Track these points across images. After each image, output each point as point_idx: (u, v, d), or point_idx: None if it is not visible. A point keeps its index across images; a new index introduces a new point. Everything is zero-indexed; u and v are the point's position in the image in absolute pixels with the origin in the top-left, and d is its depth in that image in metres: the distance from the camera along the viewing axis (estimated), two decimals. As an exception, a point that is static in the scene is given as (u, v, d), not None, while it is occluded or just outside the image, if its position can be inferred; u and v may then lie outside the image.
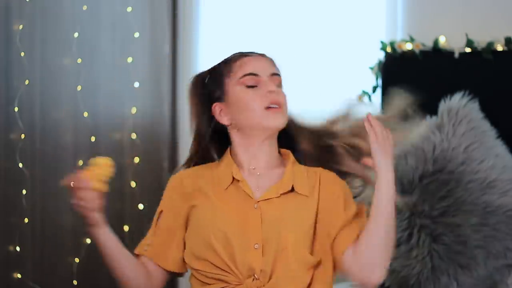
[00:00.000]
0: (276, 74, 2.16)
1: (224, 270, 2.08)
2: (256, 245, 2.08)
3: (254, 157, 2.16)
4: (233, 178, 2.14)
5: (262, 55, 2.18)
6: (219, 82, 2.18)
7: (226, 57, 2.20)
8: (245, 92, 2.13)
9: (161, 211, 2.20)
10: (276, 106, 2.12)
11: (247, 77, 2.13)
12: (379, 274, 2.08)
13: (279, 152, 2.21)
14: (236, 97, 2.14)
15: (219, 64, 2.21)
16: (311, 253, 2.11)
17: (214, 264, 2.09)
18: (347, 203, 2.16)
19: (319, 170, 2.19)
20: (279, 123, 2.14)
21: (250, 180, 2.15)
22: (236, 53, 2.20)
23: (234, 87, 2.15)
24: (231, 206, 2.12)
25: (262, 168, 2.17)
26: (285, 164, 2.19)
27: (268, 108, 2.12)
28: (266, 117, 2.12)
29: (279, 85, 2.16)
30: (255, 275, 2.07)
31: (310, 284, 2.10)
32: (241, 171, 2.16)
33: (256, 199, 2.12)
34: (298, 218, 2.11)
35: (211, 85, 2.20)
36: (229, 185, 2.14)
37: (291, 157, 2.20)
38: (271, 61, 2.18)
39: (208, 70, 2.23)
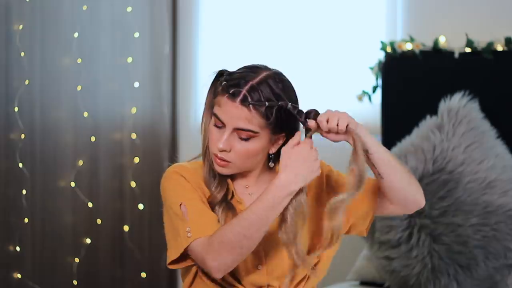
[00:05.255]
0: (242, 129, 2.01)
1: (229, 283, 2.09)
2: (260, 266, 2.09)
3: (245, 175, 2.12)
4: (232, 197, 2.10)
5: (241, 102, 2.00)
6: (214, 94, 2.09)
7: (228, 76, 2.04)
8: (212, 127, 2.06)
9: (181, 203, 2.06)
10: (222, 160, 2.04)
11: (216, 118, 2.04)
12: (422, 198, 2.13)
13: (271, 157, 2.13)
14: (208, 125, 2.09)
15: (221, 79, 2.06)
16: (310, 251, 2.11)
17: (215, 281, 2.10)
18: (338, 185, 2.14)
19: None
20: (222, 172, 2.07)
21: (244, 199, 2.12)
22: (230, 81, 2.02)
23: (212, 111, 2.06)
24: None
25: (252, 184, 2.13)
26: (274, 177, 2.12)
27: (215, 155, 2.05)
28: (214, 161, 2.07)
29: (245, 138, 2.02)
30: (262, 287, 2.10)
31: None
32: (235, 186, 2.12)
33: None
34: None
35: (212, 89, 2.11)
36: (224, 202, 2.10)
37: (276, 168, 2.13)
38: (246, 110, 2.00)
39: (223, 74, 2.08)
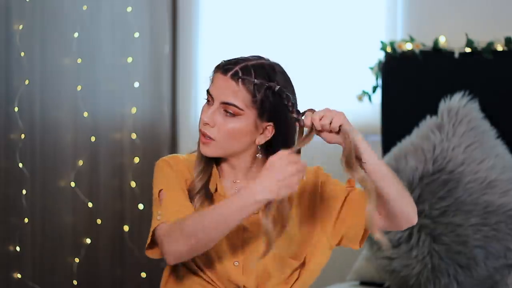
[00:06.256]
0: (227, 103, 2.01)
1: (206, 281, 2.07)
2: (236, 262, 2.06)
3: (234, 167, 2.11)
4: (216, 190, 2.09)
5: (231, 76, 2.02)
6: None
7: (221, 60, 2.09)
8: (204, 106, 2.08)
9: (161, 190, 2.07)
10: (205, 137, 2.04)
11: (207, 94, 2.06)
12: (414, 214, 2.05)
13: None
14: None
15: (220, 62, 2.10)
16: (295, 256, 2.09)
17: (195, 274, 2.08)
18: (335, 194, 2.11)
19: None
20: (205, 152, 2.06)
21: (231, 194, 2.09)
22: (228, 60, 2.07)
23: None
24: None
25: (242, 179, 2.10)
26: None
27: (200, 132, 2.07)
28: (200, 141, 2.09)
29: (230, 114, 2.02)
30: None
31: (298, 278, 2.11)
32: (222, 180, 2.11)
33: None
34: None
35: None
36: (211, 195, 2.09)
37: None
38: (234, 84, 2.01)
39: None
